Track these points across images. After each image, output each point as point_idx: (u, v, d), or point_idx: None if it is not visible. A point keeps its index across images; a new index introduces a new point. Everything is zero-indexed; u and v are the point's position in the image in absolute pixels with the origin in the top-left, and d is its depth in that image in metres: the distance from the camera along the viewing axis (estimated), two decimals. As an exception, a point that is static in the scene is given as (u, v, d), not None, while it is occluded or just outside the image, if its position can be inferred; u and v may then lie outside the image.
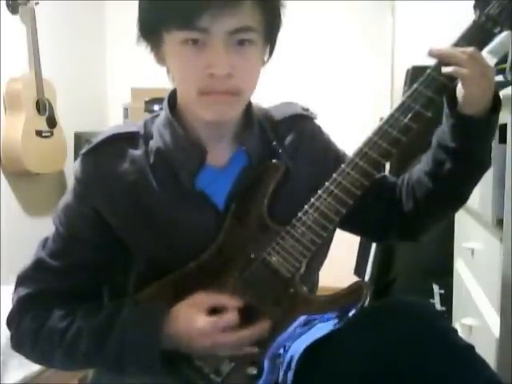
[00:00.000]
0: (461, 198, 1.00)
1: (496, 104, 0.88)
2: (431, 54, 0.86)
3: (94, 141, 0.94)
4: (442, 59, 0.86)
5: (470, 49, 0.84)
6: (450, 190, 0.96)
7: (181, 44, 0.83)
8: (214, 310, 0.87)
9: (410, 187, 1.00)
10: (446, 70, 0.85)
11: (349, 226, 1.01)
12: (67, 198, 0.96)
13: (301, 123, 1.02)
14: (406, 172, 1.04)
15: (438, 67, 0.86)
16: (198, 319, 0.85)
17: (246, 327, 0.86)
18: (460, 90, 0.87)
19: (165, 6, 0.82)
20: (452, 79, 0.86)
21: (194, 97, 0.85)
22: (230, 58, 0.82)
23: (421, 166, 0.98)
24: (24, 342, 0.94)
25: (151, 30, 0.87)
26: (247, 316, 0.88)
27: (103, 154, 0.93)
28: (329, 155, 1.02)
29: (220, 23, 0.80)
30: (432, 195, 0.96)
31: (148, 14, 0.86)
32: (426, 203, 0.97)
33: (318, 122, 1.06)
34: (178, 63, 0.86)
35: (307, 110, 1.05)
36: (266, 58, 0.92)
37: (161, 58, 0.90)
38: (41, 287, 0.94)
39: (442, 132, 0.92)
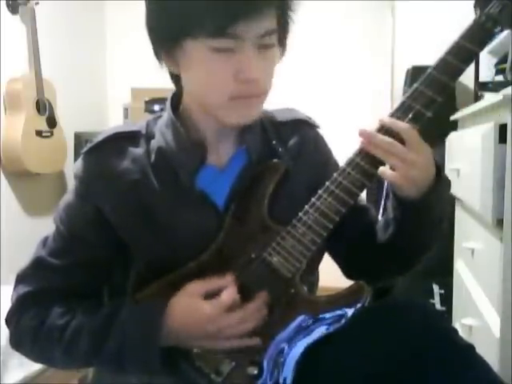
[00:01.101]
0: (410, 255, 0.97)
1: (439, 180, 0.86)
2: (360, 134, 0.85)
3: (95, 140, 0.95)
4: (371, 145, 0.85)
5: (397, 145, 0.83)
6: (398, 246, 0.94)
7: (210, 51, 0.81)
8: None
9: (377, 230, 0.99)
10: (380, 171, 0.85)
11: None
12: (68, 196, 0.96)
13: (305, 129, 1.03)
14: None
15: (438, 66, 0.86)
16: (202, 306, 0.85)
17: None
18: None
19: (195, 13, 0.80)
20: (453, 78, 0.86)
21: (225, 102, 0.85)
22: (258, 61, 0.83)
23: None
24: (23, 340, 0.94)
25: (173, 36, 0.83)
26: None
27: (104, 153, 0.93)
28: (330, 167, 1.02)
29: (254, 28, 0.80)
30: (381, 245, 0.96)
31: (171, 20, 0.82)
32: (378, 249, 0.97)
33: (321, 130, 1.06)
34: (205, 70, 0.84)
35: (310, 118, 1.06)
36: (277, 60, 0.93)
37: (174, 64, 0.88)
38: (40, 285, 0.94)
39: (388, 203, 0.93)
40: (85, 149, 0.95)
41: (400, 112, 0.86)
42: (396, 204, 0.90)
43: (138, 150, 0.93)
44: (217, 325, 0.85)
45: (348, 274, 1.05)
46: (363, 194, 0.96)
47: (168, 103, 0.96)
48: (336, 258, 1.06)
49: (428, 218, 0.89)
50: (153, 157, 0.93)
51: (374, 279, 1.03)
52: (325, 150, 1.06)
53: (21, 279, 0.96)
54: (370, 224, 1.00)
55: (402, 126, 0.83)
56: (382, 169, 0.84)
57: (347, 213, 0.88)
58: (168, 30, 0.83)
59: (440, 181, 0.87)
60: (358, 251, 1.00)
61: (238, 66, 0.82)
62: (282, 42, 0.90)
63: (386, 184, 2.42)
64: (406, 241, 0.92)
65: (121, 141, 0.94)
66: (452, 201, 1.92)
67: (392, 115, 0.86)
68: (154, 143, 0.94)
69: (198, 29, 0.80)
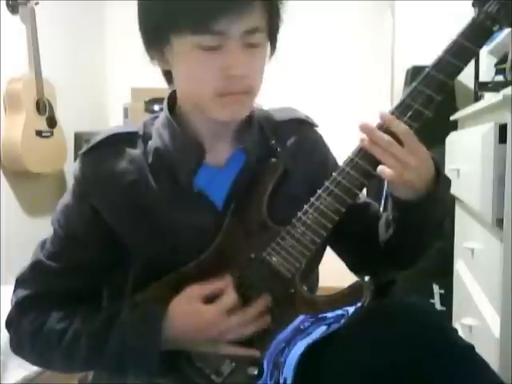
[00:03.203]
0: (410, 253, 0.97)
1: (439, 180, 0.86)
2: (361, 127, 0.85)
3: (92, 141, 0.95)
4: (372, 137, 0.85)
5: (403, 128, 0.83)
6: (398, 246, 0.95)
7: (196, 48, 0.82)
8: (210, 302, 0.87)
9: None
10: (379, 169, 0.84)
11: (329, 243, 1.01)
12: (66, 198, 0.96)
13: (303, 128, 1.03)
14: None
15: (437, 65, 0.86)
16: (202, 310, 0.86)
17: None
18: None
19: (177, 10, 0.80)
20: (452, 77, 0.86)
21: (211, 98, 0.85)
22: (245, 58, 0.83)
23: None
24: (23, 344, 0.94)
25: (159, 33, 0.84)
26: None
27: (102, 154, 0.93)
28: (329, 167, 1.01)
29: (237, 25, 0.81)
30: (382, 244, 0.97)
31: (156, 17, 0.84)
32: (381, 246, 0.97)
33: (319, 129, 1.06)
34: (190, 66, 0.85)
35: (309, 117, 1.06)
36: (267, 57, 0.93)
37: (164, 61, 0.89)
38: (39, 289, 0.94)
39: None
40: (82, 150, 0.95)
41: (399, 111, 0.86)
42: (394, 205, 0.90)
43: (136, 151, 0.93)
44: (217, 328, 0.85)
45: (353, 269, 1.06)
46: (363, 193, 0.96)
47: (165, 103, 0.96)
48: (340, 254, 1.06)
49: (427, 219, 0.89)
50: (150, 157, 0.92)
51: (378, 274, 1.03)
52: (323, 148, 1.06)
53: (20, 283, 0.96)
54: (374, 219, 1.01)
55: (401, 127, 0.83)
56: (380, 167, 0.84)
57: (350, 209, 0.88)
58: (156, 28, 0.84)
59: (439, 182, 0.86)
60: (363, 246, 1.00)
61: (224, 63, 0.82)
62: (271, 41, 0.90)
63: (385, 184, 2.42)
64: (406, 240, 0.92)
65: (118, 142, 0.94)
66: (452, 201, 1.91)
67: (391, 114, 0.86)
68: (152, 144, 0.93)
69: (183, 26, 0.81)
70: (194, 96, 0.88)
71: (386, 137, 0.83)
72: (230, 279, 0.88)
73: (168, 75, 0.93)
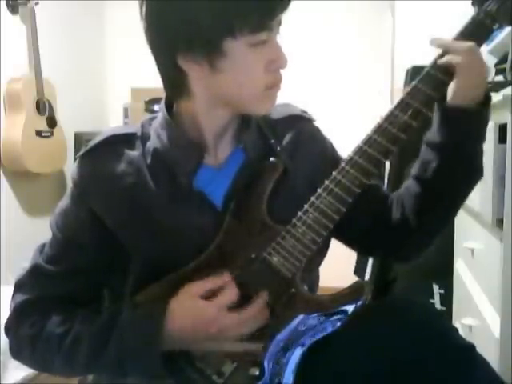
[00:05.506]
0: (450, 203, 0.95)
1: (486, 102, 0.88)
2: (432, 43, 0.87)
3: (90, 143, 0.94)
4: (443, 49, 0.86)
5: (470, 42, 0.84)
6: (438, 192, 0.92)
7: (248, 47, 0.82)
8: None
9: (400, 198, 0.99)
10: (442, 60, 0.85)
11: (336, 233, 0.99)
12: (64, 201, 0.95)
13: (300, 124, 1.02)
14: (406, 170, 1.04)
15: (436, 64, 0.86)
16: (202, 307, 0.85)
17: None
18: (451, 84, 0.87)
19: (239, 11, 0.79)
20: (450, 76, 0.86)
21: (261, 93, 0.87)
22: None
23: (410, 174, 0.97)
24: (23, 349, 0.93)
25: (215, 39, 0.81)
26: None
27: (100, 156, 0.93)
28: (328, 158, 1.01)
29: (278, 18, 0.84)
30: (419, 201, 0.94)
31: (213, 22, 0.79)
32: (413, 211, 0.95)
33: (317, 124, 1.06)
34: (245, 65, 0.84)
35: (305, 112, 1.05)
36: None
37: (196, 70, 0.85)
38: (38, 293, 0.93)
39: (430, 132, 0.92)
40: (80, 152, 0.94)
41: (398, 109, 0.86)
42: (446, 118, 0.88)
43: (134, 153, 0.93)
44: (217, 325, 0.85)
45: (366, 252, 1.07)
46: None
47: (162, 104, 0.95)
48: (352, 240, 1.05)
49: (475, 136, 0.89)
50: (149, 158, 0.92)
51: (396, 252, 1.04)
52: (321, 140, 1.04)
53: (18, 287, 0.95)
54: (384, 197, 1.01)
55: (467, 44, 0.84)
56: (449, 56, 0.84)
57: (360, 194, 0.88)
58: (208, 34, 0.80)
59: (487, 105, 0.87)
60: (380, 225, 1.00)
61: (273, 56, 0.85)
62: None
63: (385, 183, 2.42)
64: (449, 173, 0.90)
65: (116, 143, 0.93)
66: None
67: (391, 113, 0.87)
68: (150, 145, 0.93)
69: (243, 26, 0.80)
70: (244, 95, 0.87)
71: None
72: (229, 276, 0.88)
73: (179, 88, 0.89)
